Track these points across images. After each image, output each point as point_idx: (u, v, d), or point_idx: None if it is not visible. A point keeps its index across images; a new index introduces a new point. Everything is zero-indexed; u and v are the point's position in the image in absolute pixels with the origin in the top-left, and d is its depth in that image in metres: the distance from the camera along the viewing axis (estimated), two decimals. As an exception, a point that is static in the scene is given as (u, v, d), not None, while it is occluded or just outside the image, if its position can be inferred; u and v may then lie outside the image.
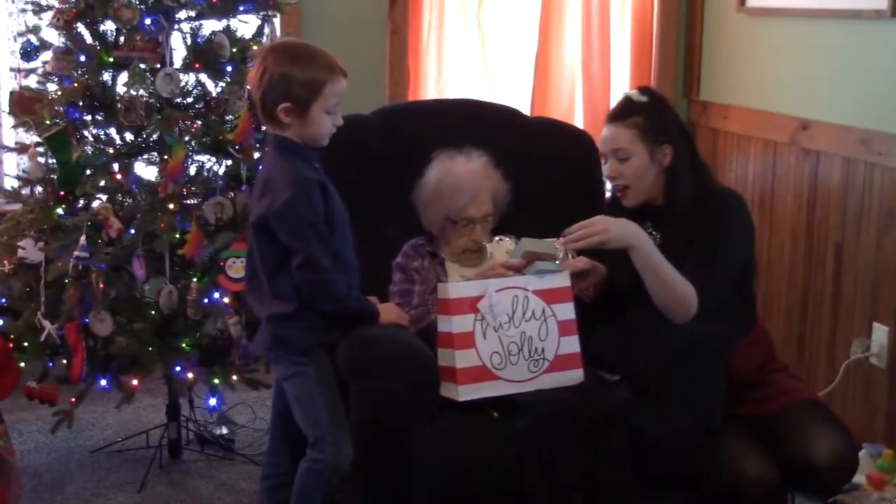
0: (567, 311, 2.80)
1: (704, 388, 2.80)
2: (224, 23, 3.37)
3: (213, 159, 3.36)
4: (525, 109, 4.25)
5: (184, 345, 3.26)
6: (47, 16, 3.31)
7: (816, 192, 3.83)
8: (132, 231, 3.22)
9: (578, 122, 4.53)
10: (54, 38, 3.33)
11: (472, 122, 3.35)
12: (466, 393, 2.68)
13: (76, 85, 3.24)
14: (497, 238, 3.07)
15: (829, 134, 3.75)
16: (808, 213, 3.88)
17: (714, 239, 2.85)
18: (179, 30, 3.33)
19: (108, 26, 3.28)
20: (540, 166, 3.27)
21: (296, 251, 2.58)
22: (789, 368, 3.15)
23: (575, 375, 2.78)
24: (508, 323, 2.73)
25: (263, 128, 3.35)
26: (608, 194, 3.17)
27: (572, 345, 2.79)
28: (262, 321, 2.73)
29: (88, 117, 3.29)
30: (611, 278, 2.97)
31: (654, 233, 2.97)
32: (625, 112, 2.97)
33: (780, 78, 4.11)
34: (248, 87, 2.91)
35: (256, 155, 3.33)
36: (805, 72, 3.94)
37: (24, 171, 3.58)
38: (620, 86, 4.55)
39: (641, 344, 2.85)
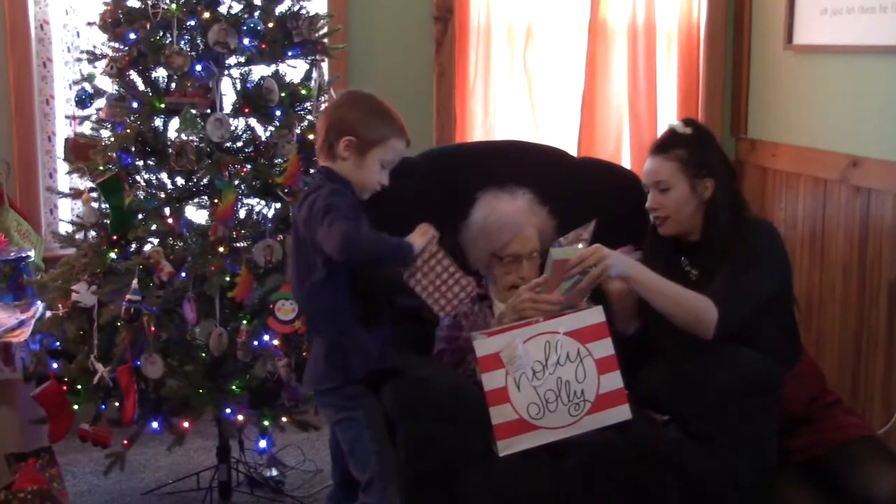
0: (605, 347, 2.72)
1: (756, 427, 2.76)
2: (273, 68, 3.41)
3: (263, 203, 3.39)
4: (572, 150, 4.25)
5: (234, 387, 3.27)
6: (101, 64, 3.36)
7: (868, 230, 3.78)
8: (183, 274, 3.24)
9: (625, 163, 4.52)
10: (108, 85, 3.38)
11: (519, 164, 3.35)
12: (506, 447, 2.65)
13: (129, 131, 3.28)
14: None
15: (880, 171, 3.71)
16: (859, 250, 3.83)
17: (741, 262, 2.82)
18: (229, 75, 3.37)
19: (160, 73, 3.34)
20: (586, 206, 3.26)
21: (322, 224, 2.58)
22: (843, 402, 3.10)
23: (621, 412, 2.72)
24: (542, 371, 2.67)
25: (312, 171, 3.40)
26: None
27: (614, 381, 2.72)
28: (320, 352, 2.74)
29: (140, 162, 3.33)
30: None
31: (690, 269, 2.94)
32: (668, 144, 2.97)
33: (828, 115, 4.07)
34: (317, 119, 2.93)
35: (305, 198, 3.36)
36: (854, 108, 3.91)
37: (77, 216, 3.64)
38: (667, 125, 4.54)
39: (690, 383, 2.81)
